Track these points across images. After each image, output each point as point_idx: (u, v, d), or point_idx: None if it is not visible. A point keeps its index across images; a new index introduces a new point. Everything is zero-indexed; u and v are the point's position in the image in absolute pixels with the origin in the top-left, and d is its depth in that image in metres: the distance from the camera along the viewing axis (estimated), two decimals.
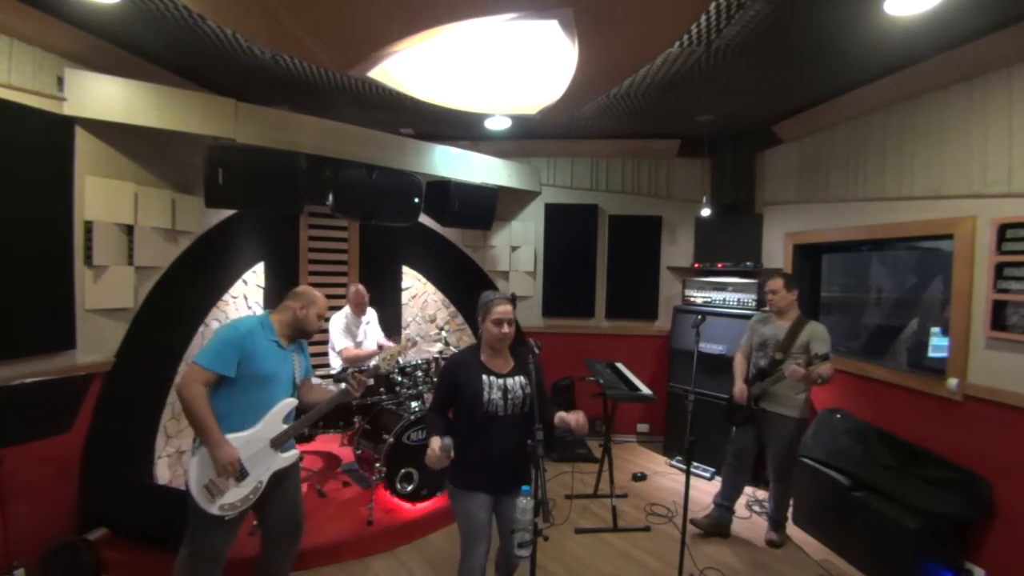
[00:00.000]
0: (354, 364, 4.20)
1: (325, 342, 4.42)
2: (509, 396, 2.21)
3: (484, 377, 2.21)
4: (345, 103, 4.02)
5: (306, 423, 2.42)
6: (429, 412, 2.34)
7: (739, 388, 3.37)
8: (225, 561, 2.29)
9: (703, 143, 4.92)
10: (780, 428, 3.23)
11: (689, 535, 2.98)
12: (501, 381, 2.22)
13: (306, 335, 2.43)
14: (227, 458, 2.10)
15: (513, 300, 2.26)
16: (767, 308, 3.48)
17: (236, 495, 2.18)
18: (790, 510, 3.72)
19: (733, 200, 4.82)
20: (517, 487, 1.95)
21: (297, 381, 2.41)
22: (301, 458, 2.54)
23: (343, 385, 2.46)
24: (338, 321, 4.21)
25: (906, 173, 3.35)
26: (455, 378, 2.25)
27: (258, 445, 2.23)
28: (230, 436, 2.15)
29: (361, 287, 4.26)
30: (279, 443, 2.29)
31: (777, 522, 3.46)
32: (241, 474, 2.18)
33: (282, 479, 2.38)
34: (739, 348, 3.59)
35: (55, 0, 2.54)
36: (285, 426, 2.31)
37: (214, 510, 2.13)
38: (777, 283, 3.32)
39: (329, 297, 4.98)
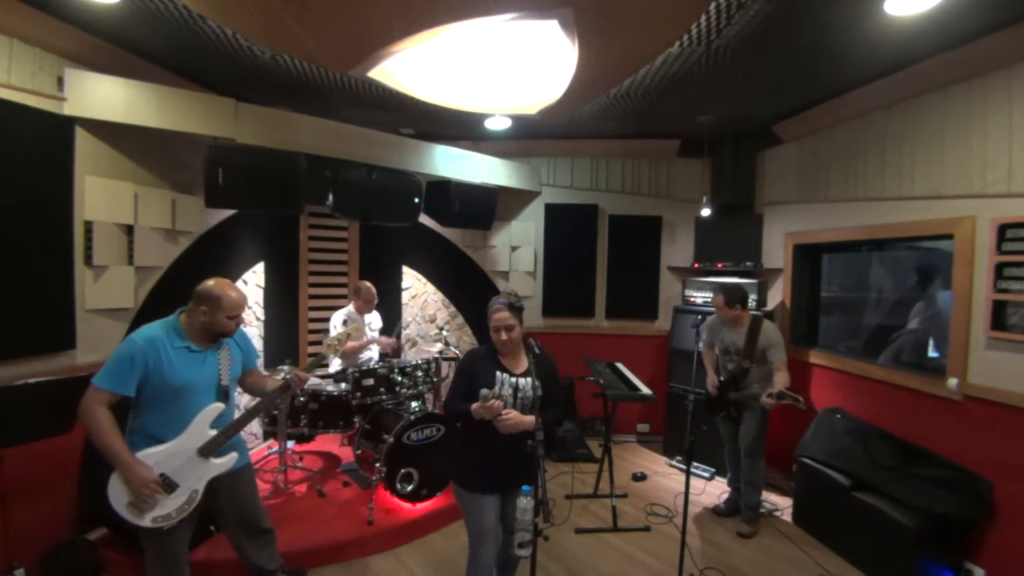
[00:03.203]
0: (349, 358, 4.20)
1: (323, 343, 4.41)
2: (519, 395, 2.23)
3: (498, 373, 2.24)
4: (345, 103, 4.02)
5: (239, 427, 2.25)
6: (448, 401, 2.28)
7: (712, 380, 3.66)
8: (186, 563, 2.26)
9: (703, 143, 4.92)
10: (752, 410, 3.49)
11: (689, 535, 2.98)
12: (514, 380, 2.25)
13: (224, 336, 2.22)
14: (139, 481, 1.98)
15: (511, 306, 2.21)
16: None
17: (169, 506, 2.10)
18: (790, 510, 3.74)
19: (733, 200, 4.82)
20: (522, 486, 1.96)
21: (224, 383, 2.23)
22: (249, 460, 2.45)
23: (287, 377, 2.38)
24: (338, 320, 4.21)
25: (906, 173, 3.35)
26: (473, 368, 2.26)
27: (184, 456, 2.12)
28: (148, 452, 2.06)
29: (371, 285, 4.26)
30: (209, 451, 2.15)
31: (750, 508, 3.53)
32: (169, 487, 2.08)
33: (231, 484, 2.29)
34: (704, 345, 3.75)
35: (55, 0, 2.54)
36: (213, 432, 2.16)
37: (146, 523, 2.06)
38: (718, 300, 3.53)
39: (329, 297, 5.06)
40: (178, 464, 2.11)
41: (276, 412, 3.66)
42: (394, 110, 4.11)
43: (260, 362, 3.97)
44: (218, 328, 2.17)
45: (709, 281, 4.76)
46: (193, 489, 2.16)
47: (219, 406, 2.20)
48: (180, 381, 2.09)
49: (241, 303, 2.22)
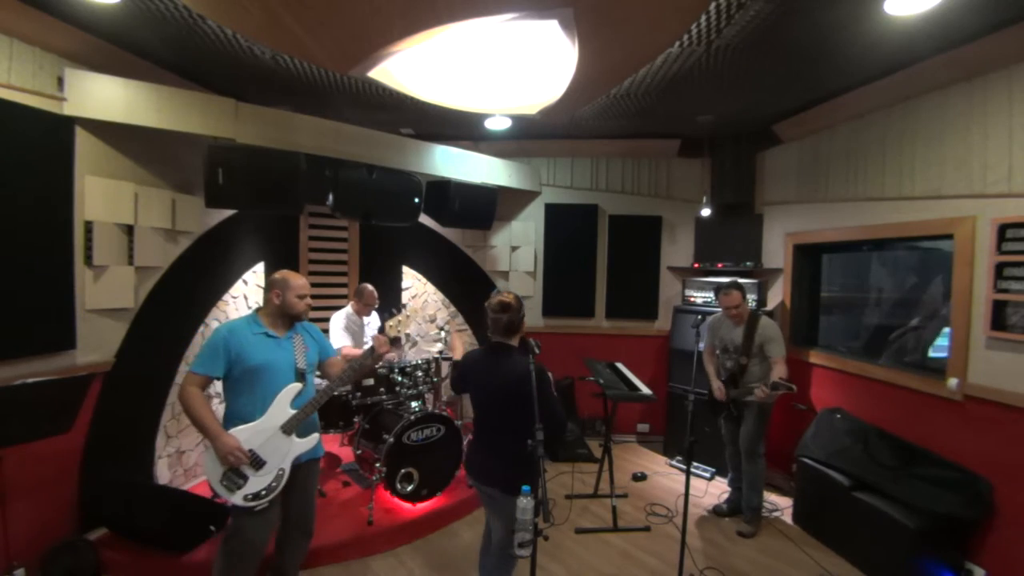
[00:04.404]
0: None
1: None
2: None
3: None
4: (345, 103, 4.02)
5: (317, 404, 2.41)
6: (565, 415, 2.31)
7: (717, 386, 3.63)
8: (261, 560, 2.36)
9: (703, 143, 4.92)
10: (749, 411, 3.52)
11: (689, 535, 2.98)
12: None
13: (296, 318, 2.45)
14: (225, 448, 2.17)
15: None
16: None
17: (258, 484, 2.25)
18: (790, 510, 3.74)
19: (733, 200, 4.82)
20: None
21: (300, 365, 2.41)
22: (322, 456, 2.59)
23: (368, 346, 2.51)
24: (338, 320, 4.21)
25: (906, 173, 3.35)
26: None
27: (268, 433, 2.29)
28: (237, 429, 2.24)
29: (373, 289, 4.27)
30: (291, 428, 2.33)
31: (751, 509, 3.53)
32: (257, 462, 2.25)
33: (303, 474, 2.45)
34: (705, 348, 3.79)
35: (55, 0, 2.54)
36: (293, 411, 2.34)
37: (238, 500, 2.22)
38: (738, 298, 3.53)
39: (329, 297, 5.06)
40: (263, 440, 2.28)
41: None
42: (394, 110, 4.11)
43: None
44: (290, 309, 2.39)
45: (709, 281, 4.76)
46: (280, 467, 2.32)
47: (297, 385, 2.37)
48: (259, 360, 2.30)
49: (307, 285, 2.46)
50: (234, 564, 2.30)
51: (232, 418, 2.30)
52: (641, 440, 5.30)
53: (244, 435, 2.23)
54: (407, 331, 2.91)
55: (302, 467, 2.44)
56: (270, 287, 2.41)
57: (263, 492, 2.26)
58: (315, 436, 2.45)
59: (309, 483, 2.52)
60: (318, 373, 2.63)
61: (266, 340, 2.36)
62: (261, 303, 2.47)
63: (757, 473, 3.51)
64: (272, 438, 2.29)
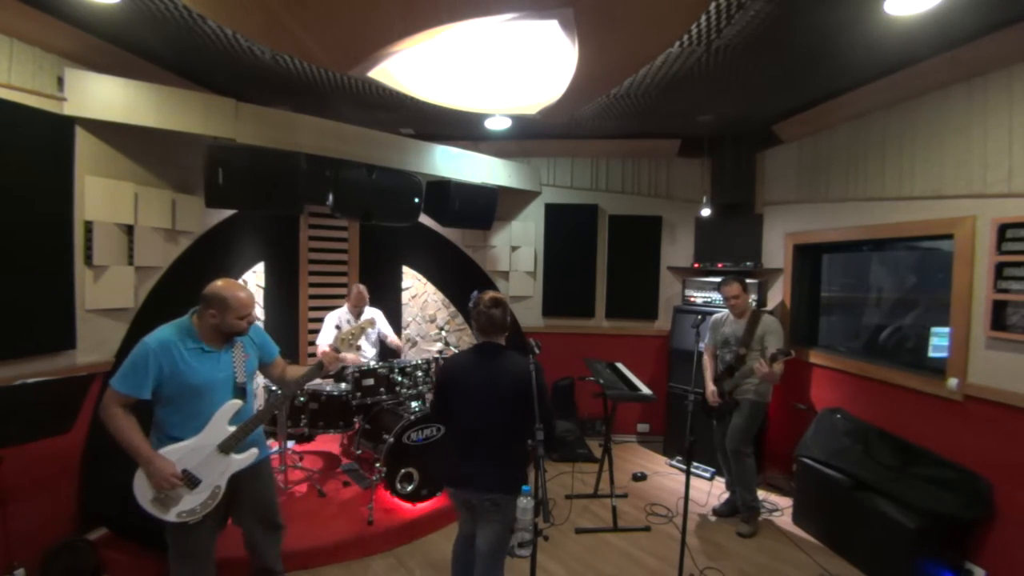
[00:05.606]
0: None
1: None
2: None
3: None
4: (345, 103, 4.02)
5: (258, 422, 2.27)
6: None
7: (711, 391, 3.66)
8: (212, 563, 2.29)
9: (703, 143, 4.92)
10: (741, 408, 3.54)
11: (689, 535, 2.98)
12: None
13: (237, 335, 2.23)
14: (160, 474, 2.02)
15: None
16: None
17: (193, 501, 2.12)
18: (790, 510, 3.74)
19: (733, 200, 4.82)
20: None
21: (240, 380, 2.24)
22: (269, 454, 2.47)
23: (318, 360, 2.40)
24: (332, 319, 4.21)
25: (906, 173, 3.35)
26: None
27: (205, 452, 2.13)
28: (171, 448, 2.09)
29: (363, 288, 4.27)
30: (229, 447, 2.17)
31: (748, 509, 3.53)
32: (192, 482, 2.11)
33: (251, 479, 2.31)
34: (705, 348, 3.83)
35: (55, 0, 2.54)
36: (232, 428, 2.18)
37: (171, 517, 2.10)
38: (737, 288, 3.58)
39: (329, 297, 5.05)
40: (199, 460, 2.13)
41: (276, 412, 3.62)
42: (394, 110, 4.11)
43: None
44: (229, 329, 2.17)
45: (709, 281, 4.76)
46: (215, 485, 2.18)
47: (236, 403, 2.21)
48: (197, 380, 2.11)
49: (250, 303, 2.22)
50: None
51: (162, 432, 2.12)
52: (641, 440, 5.30)
53: (177, 455, 2.08)
54: (358, 343, 2.87)
55: (248, 472, 2.27)
56: (206, 303, 2.13)
57: (197, 508, 2.13)
58: (253, 451, 2.27)
59: (262, 483, 2.38)
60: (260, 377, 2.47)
61: (202, 355, 2.14)
62: (196, 310, 2.19)
63: (745, 472, 3.50)
64: (208, 457, 2.14)
